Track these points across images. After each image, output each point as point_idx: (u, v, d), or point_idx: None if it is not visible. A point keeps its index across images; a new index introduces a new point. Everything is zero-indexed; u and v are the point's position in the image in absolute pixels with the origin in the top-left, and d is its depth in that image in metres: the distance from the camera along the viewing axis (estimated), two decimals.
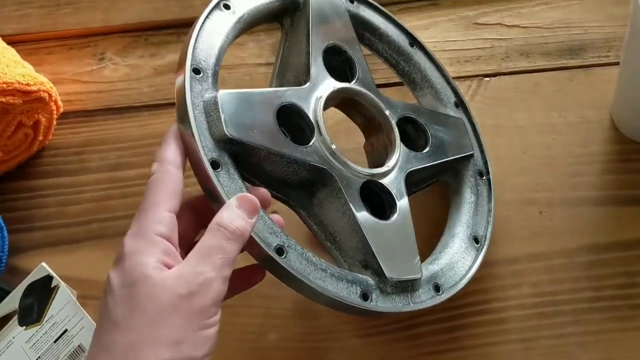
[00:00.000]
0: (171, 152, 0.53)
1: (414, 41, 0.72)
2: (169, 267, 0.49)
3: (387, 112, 0.65)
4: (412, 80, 0.72)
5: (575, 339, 0.65)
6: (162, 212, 0.50)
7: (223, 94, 0.55)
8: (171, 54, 0.82)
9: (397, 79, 0.74)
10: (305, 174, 0.58)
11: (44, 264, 0.68)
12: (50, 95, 0.75)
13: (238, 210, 0.51)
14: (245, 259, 0.55)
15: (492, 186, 0.68)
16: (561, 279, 0.67)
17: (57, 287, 0.67)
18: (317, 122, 0.60)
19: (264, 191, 0.57)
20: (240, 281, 0.57)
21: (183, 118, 0.54)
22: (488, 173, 0.69)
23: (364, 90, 0.65)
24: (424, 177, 0.67)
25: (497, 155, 0.72)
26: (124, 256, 0.49)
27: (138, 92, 0.81)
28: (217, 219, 0.50)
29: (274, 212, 0.59)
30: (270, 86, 0.64)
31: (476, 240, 0.65)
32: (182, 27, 0.84)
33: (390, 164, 0.63)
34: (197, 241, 0.51)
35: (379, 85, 0.69)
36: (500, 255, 0.69)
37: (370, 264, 0.58)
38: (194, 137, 0.53)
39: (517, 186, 0.71)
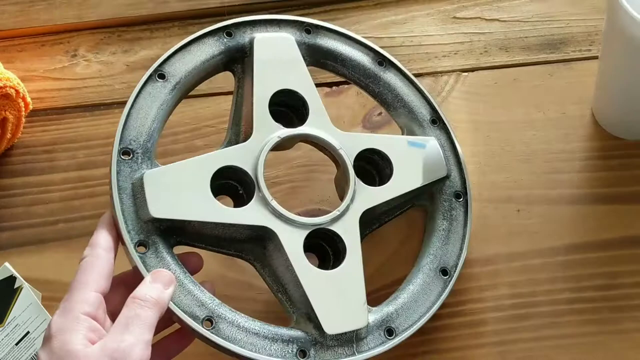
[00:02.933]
0: (102, 238, 0.56)
1: (383, 59, 0.69)
2: (94, 343, 0.51)
3: (340, 152, 0.63)
4: (385, 100, 0.69)
5: (553, 341, 0.63)
6: (88, 293, 0.53)
7: (148, 173, 0.56)
8: (144, 50, 0.81)
9: None
10: (248, 232, 0.59)
11: (7, 264, 0.68)
12: (17, 92, 0.74)
13: (152, 285, 0.54)
14: None
15: (469, 208, 0.66)
16: (539, 280, 0.65)
17: (20, 288, 0.66)
18: (256, 178, 0.59)
19: (196, 260, 0.61)
20: (173, 344, 0.60)
21: (111, 202, 0.56)
22: (466, 193, 0.66)
23: (313, 133, 0.63)
24: (394, 207, 0.65)
25: (474, 152, 0.70)
26: (51, 336, 0.51)
27: (110, 89, 0.79)
28: (132, 293, 0.54)
29: (204, 281, 0.59)
30: (225, 139, 0.65)
31: (444, 272, 0.63)
32: (156, 22, 0.82)
33: (341, 208, 0.61)
34: None
35: None
36: (477, 255, 0.67)
37: (312, 318, 0.57)
38: (118, 222, 0.55)
39: (495, 184, 0.70)
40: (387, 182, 0.64)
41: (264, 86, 0.63)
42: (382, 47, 0.69)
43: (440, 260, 0.63)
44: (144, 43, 0.82)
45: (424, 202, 0.66)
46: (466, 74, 0.75)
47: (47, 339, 0.51)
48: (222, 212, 0.58)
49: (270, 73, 0.63)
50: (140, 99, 0.60)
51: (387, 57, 0.69)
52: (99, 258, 0.55)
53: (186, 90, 0.63)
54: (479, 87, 0.74)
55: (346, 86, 0.76)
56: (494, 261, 0.66)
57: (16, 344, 0.64)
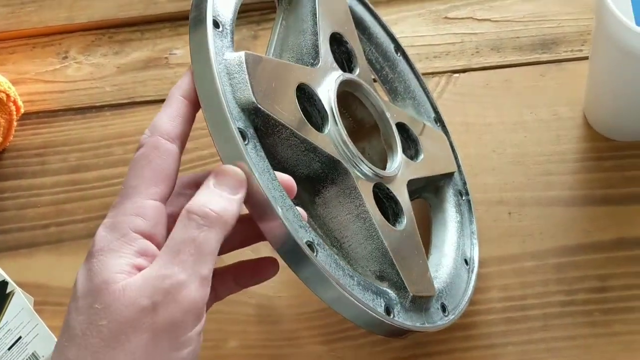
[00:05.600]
0: (167, 119, 0.43)
1: (398, 48, 0.68)
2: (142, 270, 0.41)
3: (387, 114, 0.59)
4: (395, 89, 0.67)
5: (545, 345, 0.63)
6: (143, 201, 0.41)
7: (248, 55, 0.46)
8: (135, 52, 0.81)
9: None
10: (317, 166, 0.51)
11: None
12: (8, 96, 0.74)
13: (216, 189, 0.42)
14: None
15: (472, 208, 0.66)
16: (531, 283, 0.65)
17: (12, 293, 0.66)
18: (331, 109, 0.52)
19: (287, 177, 0.47)
20: (247, 275, 0.49)
21: (202, 75, 0.44)
22: (467, 194, 0.66)
23: (369, 87, 0.58)
24: (411, 191, 0.60)
25: (465, 154, 0.69)
26: (93, 253, 0.41)
27: (101, 92, 0.79)
28: (188, 205, 0.41)
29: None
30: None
31: (466, 261, 0.62)
32: (146, 24, 0.82)
33: (394, 167, 0.56)
34: None
35: None
36: None
37: (387, 276, 0.51)
38: (218, 96, 0.43)
39: (486, 186, 0.69)
40: (416, 159, 0.61)
41: (326, 22, 0.56)
42: None
43: (461, 249, 0.62)
44: (134, 45, 0.81)
45: (428, 194, 0.65)
46: (457, 74, 0.75)
47: (89, 255, 0.41)
48: (312, 132, 0.49)
49: (328, 13, 0.57)
50: None
51: (402, 48, 0.68)
52: (159, 149, 0.42)
53: None
54: (470, 88, 0.74)
55: None
56: (485, 264, 0.66)
57: (8, 349, 0.64)
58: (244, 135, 0.44)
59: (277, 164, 0.48)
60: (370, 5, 0.66)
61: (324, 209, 0.52)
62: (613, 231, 0.66)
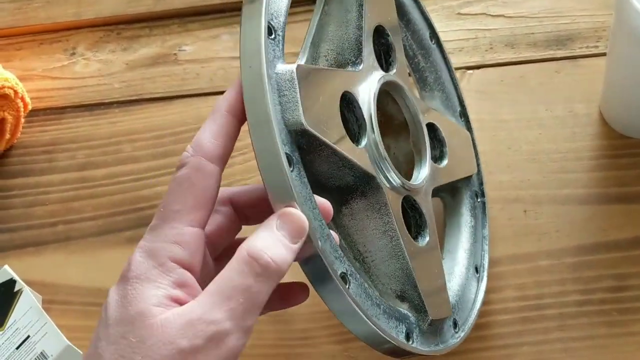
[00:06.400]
0: (210, 136, 0.41)
1: (433, 35, 0.65)
2: (180, 303, 0.39)
3: (420, 117, 0.56)
4: (424, 78, 0.65)
5: (561, 345, 0.62)
6: (183, 228, 0.40)
7: (302, 69, 0.44)
8: (143, 49, 0.80)
9: None
10: (350, 179, 0.49)
11: (6, 266, 0.67)
12: (16, 92, 0.73)
13: (278, 233, 0.40)
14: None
15: (487, 211, 0.64)
16: (547, 282, 0.64)
17: (20, 291, 0.66)
18: (370, 117, 0.49)
19: (324, 201, 0.45)
20: (275, 299, 0.46)
21: (253, 95, 0.42)
22: (483, 195, 0.64)
23: (406, 89, 0.56)
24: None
25: (480, 151, 0.68)
26: (127, 278, 0.40)
27: (109, 88, 0.78)
28: (248, 244, 0.39)
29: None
30: (302, 57, 0.52)
31: (476, 269, 0.61)
32: (155, 20, 0.81)
33: (422, 177, 0.54)
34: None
35: None
36: None
37: (408, 297, 0.50)
38: (269, 123, 0.40)
39: (501, 184, 0.68)
40: (440, 163, 0.59)
41: (371, 16, 0.53)
42: None
43: (474, 257, 0.61)
44: (142, 41, 0.81)
45: (445, 195, 0.64)
46: (471, 71, 0.74)
47: (124, 279, 0.40)
48: (351, 148, 0.47)
49: (375, 5, 0.54)
50: None
51: (437, 35, 0.65)
52: (202, 172, 0.40)
53: None
54: (484, 84, 0.73)
55: None
56: (500, 263, 0.65)
57: (17, 348, 0.63)
58: (290, 161, 0.42)
59: (310, 177, 0.45)
60: None
61: (350, 219, 0.50)
62: (629, 230, 0.65)
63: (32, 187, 0.74)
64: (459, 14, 0.77)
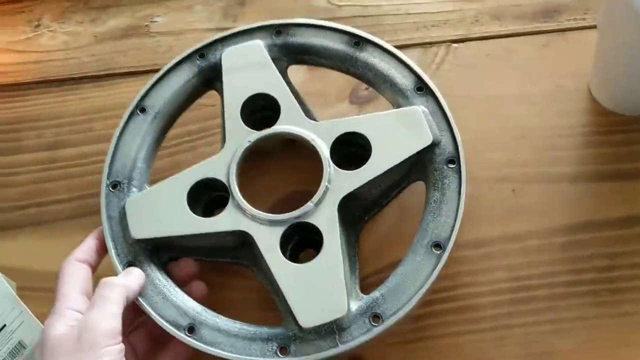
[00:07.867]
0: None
1: (359, 39, 0.66)
2: None
3: (314, 143, 0.63)
4: (367, 80, 0.66)
5: (552, 326, 0.62)
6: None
7: (130, 200, 0.62)
8: (113, 20, 0.77)
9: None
10: (232, 239, 0.61)
11: None
12: None
13: (122, 276, 0.59)
14: None
15: (463, 174, 0.61)
16: (537, 262, 0.64)
17: None
18: (229, 184, 0.62)
19: (186, 264, 0.62)
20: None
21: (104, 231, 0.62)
22: (459, 158, 0.62)
23: (283, 130, 0.64)
24: (388, 187, 0.63)
25: (466, 129, 0.66)
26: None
27: (78, 62, 0.76)
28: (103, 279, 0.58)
29: (193, 282, 0.62)
30: (221, 146, 0.65)
31: (437, 246, 0.59)
32: None
33: (314, 199, 0.61)
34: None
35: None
36: (471, 237, 0.65)
37: (291, 313, 0.58)
38: (109, 249, 0.61)
39: (489, 162, 0.67)
40: (360, 166, 0.61)
41: (234, 94, 0.65)
42: (367, 17, 0.66)
43: (432, 234, 0.59)
44: (112, 11, 0.78)
45: (418, 175, 0.63)
46: (457, 45, 0.72)
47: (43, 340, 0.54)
48: (197, 223, 0.61)
49: (240, 81, 0.65)
50: (124, 134, 0.64)
51: (362, 37, 0.66)
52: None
53: (170, 117, 0.66)
54: (470, 58, 0.72)
55: None
56: (489, 243, 0.64)
57: None
58: (133, 264, 0.60)
59: (204, 250, 0.63)
60: (312, 22, 0.67)
61: (259, 261, 0.61)
62: (621, 208, 0.65)
63: (0, 168, 0.72)
64: None
